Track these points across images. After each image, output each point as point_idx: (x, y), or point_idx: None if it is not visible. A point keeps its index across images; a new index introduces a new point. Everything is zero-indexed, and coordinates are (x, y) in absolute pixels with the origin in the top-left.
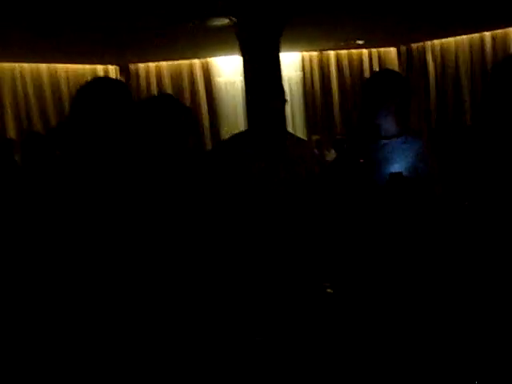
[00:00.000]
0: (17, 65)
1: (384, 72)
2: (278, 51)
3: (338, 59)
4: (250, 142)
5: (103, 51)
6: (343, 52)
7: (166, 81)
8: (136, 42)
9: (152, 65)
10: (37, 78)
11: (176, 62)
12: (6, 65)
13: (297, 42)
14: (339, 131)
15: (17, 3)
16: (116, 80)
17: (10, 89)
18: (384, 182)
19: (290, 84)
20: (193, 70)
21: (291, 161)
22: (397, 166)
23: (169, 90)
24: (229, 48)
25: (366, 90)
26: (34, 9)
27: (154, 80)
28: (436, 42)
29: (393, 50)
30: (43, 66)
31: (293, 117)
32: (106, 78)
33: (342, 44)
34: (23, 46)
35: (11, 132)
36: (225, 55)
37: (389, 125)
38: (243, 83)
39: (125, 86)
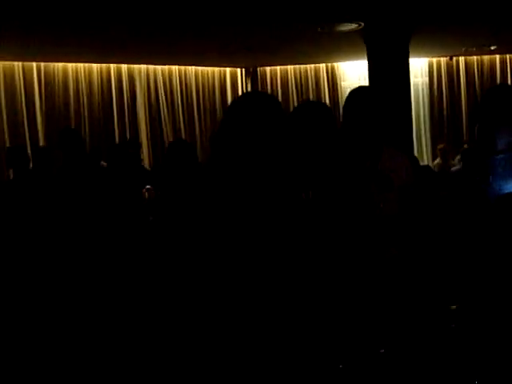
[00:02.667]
0: (147, 66)
1: (502, 86)
2: (406, 57)
3: (467, 65)
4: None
5: (232, 54)
6: (473, 58)
7: (291, 84)
8: (265, 46)
9: (278, 68)
10: (168, 79)
11: (302, 66)
12: (137, 67)
13: (425, 48)
14: (466, 140)
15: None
16: (267, 94)
17: (143, 88)
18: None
19: (415, 90)
20: (318, 74)
21: (384, 171)
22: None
23: (293, 94)
24: (355, 53)
25: (484, 103)
26: (168, 12)
27: (279, 83)
28: None
29: None
30: (173, 68)
31: (418, 123)
32: (257, 92)
33: (474, 49)
34: (151, 48)
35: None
36: (351, 60)
37: (504, 140)
38: None
39: (276, 100)
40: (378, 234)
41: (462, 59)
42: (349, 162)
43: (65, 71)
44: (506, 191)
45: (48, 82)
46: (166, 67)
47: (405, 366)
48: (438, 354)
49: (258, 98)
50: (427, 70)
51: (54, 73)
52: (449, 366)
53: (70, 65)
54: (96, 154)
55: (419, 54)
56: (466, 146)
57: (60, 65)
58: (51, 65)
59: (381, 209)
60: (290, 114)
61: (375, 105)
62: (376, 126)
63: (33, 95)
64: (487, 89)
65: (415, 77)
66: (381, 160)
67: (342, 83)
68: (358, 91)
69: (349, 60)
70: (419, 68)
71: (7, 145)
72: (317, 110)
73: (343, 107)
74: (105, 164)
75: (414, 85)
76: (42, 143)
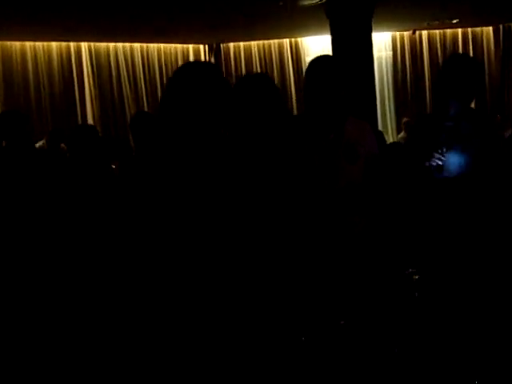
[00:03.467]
0: (111, 44)
1: (460, 56)
2: (369, 31)
3: (430, 39)
4: (308, 124)
5: (195, 31)
6: (436, 32)
7: (255, 60)
8: (227, 22)
9: (242, 44)
10: (130, 57)
11: (266, 42)
12: (98, 44)
13: (388, 22)
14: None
15: None
16: (209, 63)
17: (104, 66)
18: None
19: (379, 64)
20: (281, 50)
21: (349, 143)
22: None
23: (258, 70)
24: (318, 28)
25: (441, 72)
26: None
27: (243, 59)
28: None
29: (489, 30)
30: (136, 46)
31: (382, 98)
32: (198, 62)
33: (437, 23)
34: (113, 25)
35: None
36: (314, 35)
37: (455, 108)
38: None
39: (218, 68)
40: (340, 204)
41: (424, 33)
42: (312, 135)
43: (23, 50)
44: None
45: (6, 61)
46: (128, 44)
47: (366, 337)
48: (401, 324)
49: (197, 68)
50: (391, 44)
51: (12, 51)
52: (410, 336)
53: (28, 43)
54: (57, 136)
55: (382, 28)
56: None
57: (18, 44)
58: (8, 44)
59: (345, 180)
60: (234, 86)
61: (337, 74)
62: (338, 96)
63: None
64: (445, 59)
65: (379, 51)
66: (344, 132)
67: (307, 58)
68: (318, 60)
69: (312, 35)
70: (383, 42)
71: None
72: (259, 81)
73: (304, 77)
74: (64, 147)
75: (377, 59)
76: None
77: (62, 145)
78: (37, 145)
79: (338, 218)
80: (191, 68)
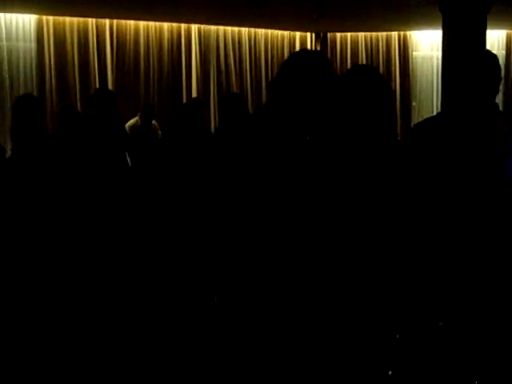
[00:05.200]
0: (219, 27)
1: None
2: (484, 28)
3: None
4: (445, 127)
5: (303, 19)
6: None
7: (362, 52)
8: (337, 11)
9: (349, 35)
10: (237, 41)
11: (374, 34)
12: (207, 27)
13: (504, 19)
14: None
15: None
16: (319, 52)
17: (212, 49)
18: None
19: None
20: (389, 42)
21: (498, 140)
22: None
23: (363, 62)
24: (429, 22)
25: None
26: None
27: (349, 50)
28: None
29: None
30: (243, 30)
31: None
32: (309, 50)
33: None
34: (222, 10)
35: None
36: (424, 29)
37: None
38: (440, 59)
39: (326, 59)
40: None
41: None
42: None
43: (136, 29)
44: None
45: (121, 38)
46: (236, 29)
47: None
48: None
49: (308, 57)
50: (505, 42)
51: (125, 30)
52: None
53: (141, 23)
54: (149, 112)
55: (498, 26)
56: None
57: (132, 22)
58: (123, 22)
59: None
60: (343, 76)
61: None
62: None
63: (105, 52)
64: None
65: (492, 49)
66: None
67: (414, 53)
68: (302, 55)
69: (422, 29)
70: (496, 40)
71: (78, 102)
72: (369, 75)
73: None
74: (156, 124)
75: None
76: None
77: (154, 121)
78: (131, 121)
79: None
80: (303, 56)
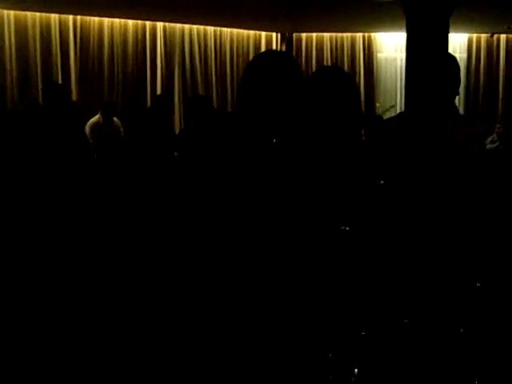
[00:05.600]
0: (185, 26)
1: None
2: (446, 31)
3: (508, 44)
4: (410, 124)
5: (269, 18)
6: None
7: (327, 52)
8: (302, 12)
9: (314, 35)
10: (203, 39)
11: (339, 35)
12: (172, 25)
13: (466, 23)
14: (499, 120)
15: None
16: (285, 53)
17: (178, 46)
18: None
19: None
20: (354, 43)
21: (458, 141)
22: None
23: (328, 62)
24: (394, 24)
25: None
26: None
27: (314, 50)
28: None
29: None
30: (209, 29)
31: None
32: (275, 51)
33: None
34: (187, 7)
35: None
36: (389, 31)
37: None
38: (404, 61)
39: (293, 60)
40: None
41: (503, 37)
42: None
43: (100, 26)
44: None
45: (84, 35)
46: (202, 27)
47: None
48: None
49: (274, 59)
50: (466, 45)
51: (89, 27)
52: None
53: (105, 20)
54: (111, 109)
55: (460, 29)
56: (498, 126)
57: (96, 19)
58: (88, 19)
59: None
60: (310, 77)
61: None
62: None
63: (68, 49)
64: None
65: (453, 52)
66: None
67: (378, 54)
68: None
69: (387, 31)
70: (458, 43)
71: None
72: (337, 76)
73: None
74: (118, 121)
75: None
76: (74, 98)
77: (115, 118)
78: (93, 119)
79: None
80: (269, 57)
